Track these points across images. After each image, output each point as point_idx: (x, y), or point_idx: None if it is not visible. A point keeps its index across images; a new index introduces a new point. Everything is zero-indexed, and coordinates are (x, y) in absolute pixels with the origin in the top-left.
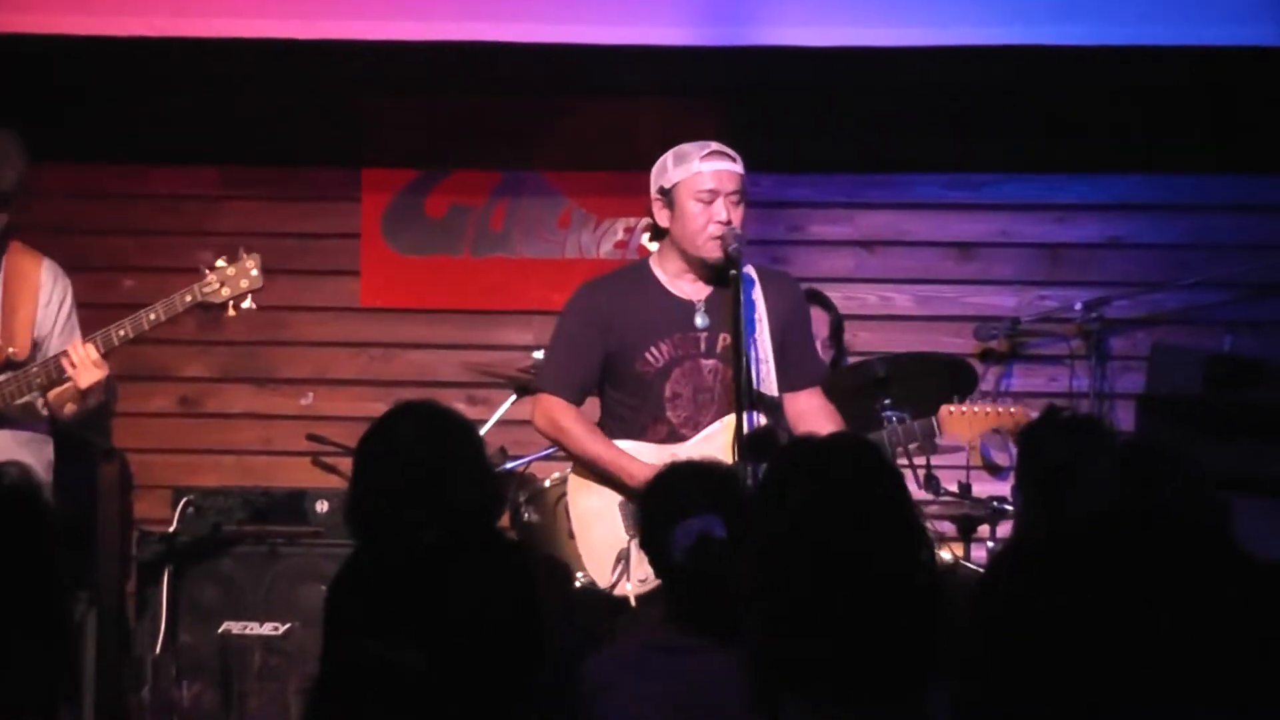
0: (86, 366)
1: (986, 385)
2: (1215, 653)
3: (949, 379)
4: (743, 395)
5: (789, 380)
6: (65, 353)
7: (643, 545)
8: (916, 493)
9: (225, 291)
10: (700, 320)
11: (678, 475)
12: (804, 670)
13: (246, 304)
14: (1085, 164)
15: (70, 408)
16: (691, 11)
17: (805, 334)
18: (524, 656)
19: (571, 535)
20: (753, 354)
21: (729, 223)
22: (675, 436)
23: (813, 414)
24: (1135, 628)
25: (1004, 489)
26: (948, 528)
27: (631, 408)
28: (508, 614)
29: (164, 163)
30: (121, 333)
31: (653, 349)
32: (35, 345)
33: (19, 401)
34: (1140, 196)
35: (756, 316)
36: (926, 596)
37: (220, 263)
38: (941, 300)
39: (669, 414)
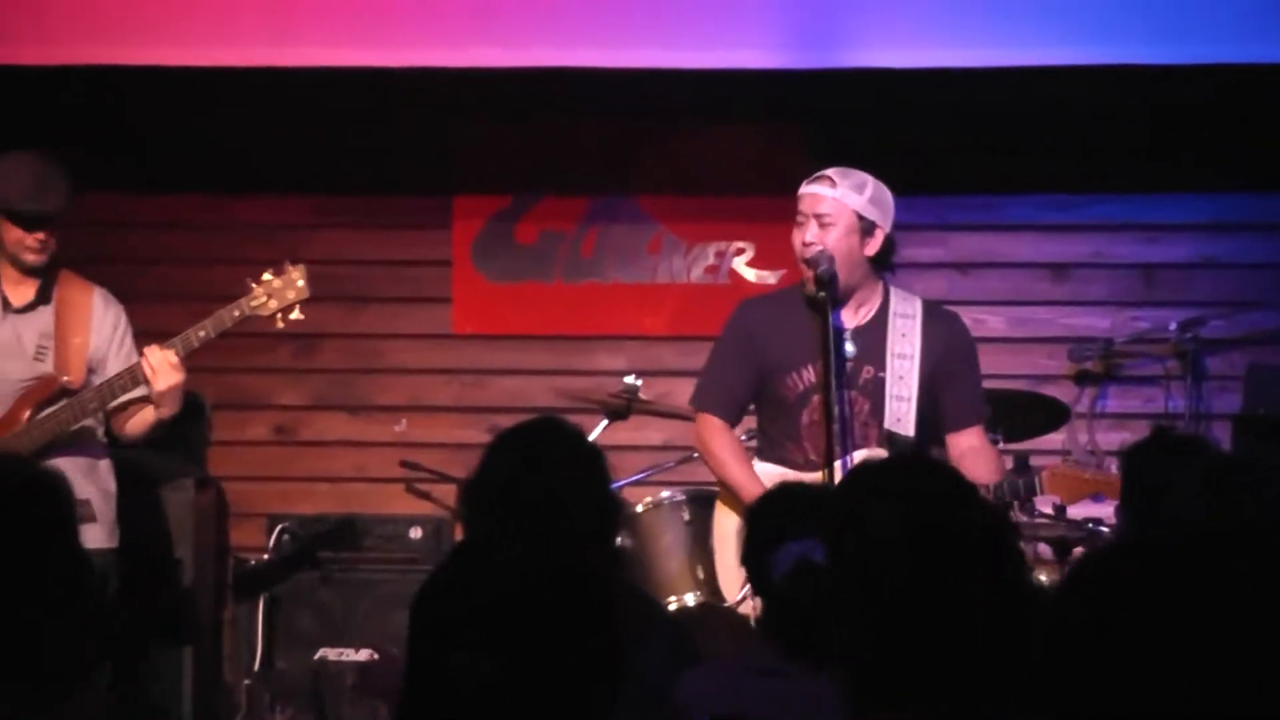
0: (165, 370)
1: (1081, 407)
2: None
3: (1043, 414)
4: (831, 427)
5: (947, 422)
6: (144, 355)
7: (743, 562)
8: (1012, 514)
9: (273, 304)
10: (849, 348)
11: (785, 497)
12: (898, 697)
13: (295, 315)
14: (1178, 183)
15: (138, 422)
16: (781, 35)
17: (966, 374)
18: (602, 677)
19: (712, 551)
20: (888, 390)
21: (810, 244)
22: (810, 464)
23: (971, 455)
24: (1212, 644)
25: (1100, 511)
26: (1044, 550)
27: (774, 431)
28: (586, 634)
29: (255, 192)
30: (173, 352)
31: (795, 373)
32: (90, 373)
33: (74, 428)
34: (1234, 215)
35: (905, 353)
36: (1023, 621)
37: (267, 276)
38: (1035, 322)
39: (805, 441)
